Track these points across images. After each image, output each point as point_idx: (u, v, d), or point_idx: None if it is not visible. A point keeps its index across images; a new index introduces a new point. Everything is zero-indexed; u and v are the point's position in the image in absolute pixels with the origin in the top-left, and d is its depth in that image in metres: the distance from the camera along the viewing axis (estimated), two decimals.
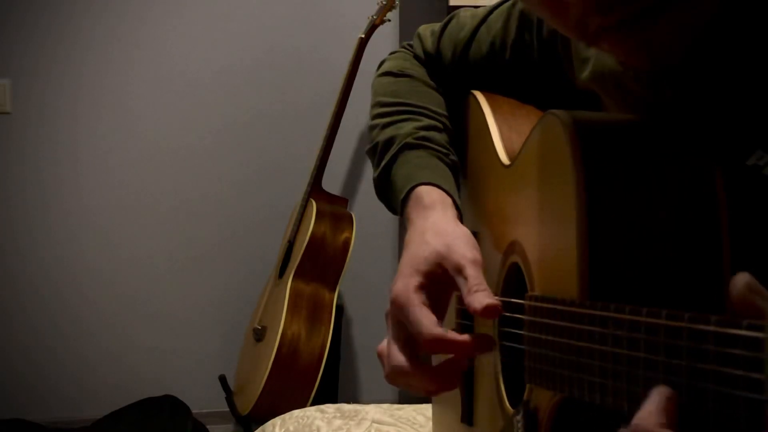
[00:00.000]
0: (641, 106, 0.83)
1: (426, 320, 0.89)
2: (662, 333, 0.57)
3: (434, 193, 1.01)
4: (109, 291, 3.20)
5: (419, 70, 1.16)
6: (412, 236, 0.97)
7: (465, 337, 0.88)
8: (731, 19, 0.73)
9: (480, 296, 0.86)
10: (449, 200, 1.00)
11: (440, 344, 0.88)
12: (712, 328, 0.52)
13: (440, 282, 0.92)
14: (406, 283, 0.92)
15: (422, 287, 0.92)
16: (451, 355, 0.91)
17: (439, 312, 0.93)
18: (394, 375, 0.92)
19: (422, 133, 1.07)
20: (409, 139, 1.06)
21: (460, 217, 1.00)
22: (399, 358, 0.91)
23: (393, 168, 1.06)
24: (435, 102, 1.12)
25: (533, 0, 0.75)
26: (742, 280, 0.52)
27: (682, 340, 0.55)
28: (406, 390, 0.95)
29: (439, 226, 0.95)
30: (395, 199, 1.05)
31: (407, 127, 1.08)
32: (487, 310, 0.85)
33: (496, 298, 0.89)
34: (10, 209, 3.15)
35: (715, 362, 0.52)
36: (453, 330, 1.03)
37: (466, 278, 0.88)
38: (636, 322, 0.60)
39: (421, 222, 0.98)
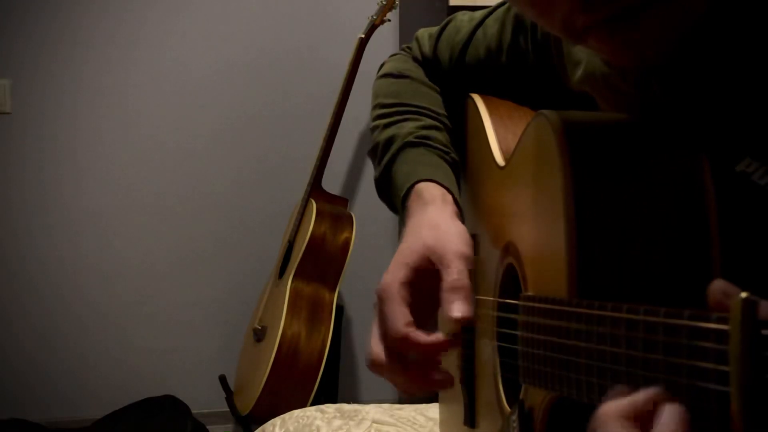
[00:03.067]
0: (632, 106, 0.84)
1: (398, 318, 0.90)
2: (641, 329, 0.57)
3: (434, 189, 1.01)
4: (109, 291, 3.20)
5: (418, 71, 1.16)
6: (408, 230, 0.98)
7: (431, 338, 0.89)
8: (721, 18, 0.73)
9: (456, 306, 0.87)
10: (449, 197, 1.01)
11: (405, 344, 0.89)
12: (684, 322, 0.53)
13: (428, 276, 0.92)
14: (393, 277, 0.92)
15: (409, 282, 0.92)
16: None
17: (427, 306, 0.93)
18: (372, 366, 0.93)
19: (423, 132, 1.08)
20: (410, 138, 1.07)
21: (460, 214, 1.00)
22: (375, 349, 0.92)
23: (394, 166, 1.07)
24: (434, 102, 1.13)
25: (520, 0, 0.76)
26: (717, 285, 0.52)
27: (659, 335, 0.55)
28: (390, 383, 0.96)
29: (434, 221, 0.96)
30: (396, 197, 1.05)
31: (408, 126, 1.09)
32: (461, 321, 0.86)
33: (482, 298, 0.89)
34: (10, 209, 3.15)
35: (687, 356, 0.52)
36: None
37: (448, 272, 0.89)
38: (617, 319, 0.60)
39: (419, 216, 0.98)
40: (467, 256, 0.91)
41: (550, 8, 0.72)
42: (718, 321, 0.50)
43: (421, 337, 0.89)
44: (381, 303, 0.92)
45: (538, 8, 0.74)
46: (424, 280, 0.93)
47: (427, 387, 0.94)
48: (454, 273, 0.88)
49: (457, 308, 0.87)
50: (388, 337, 0.91)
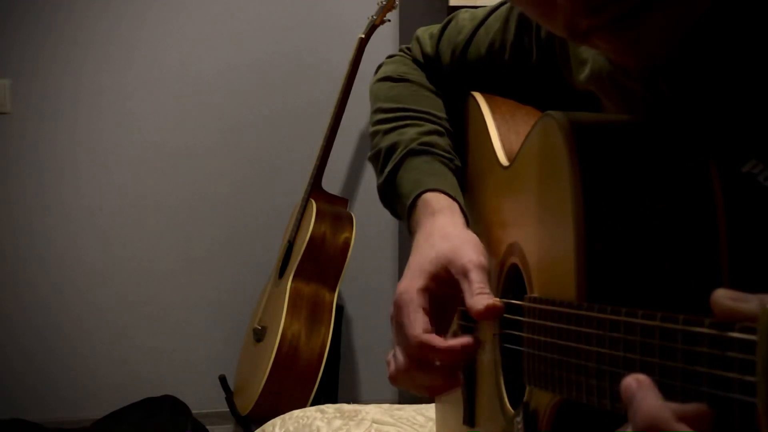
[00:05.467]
0: (639, 106, 0.83)
1: (416, 324, 0.89)
2: (657, 335, 0.57)
3: (442, 199, 1.01)
4: (109, 291, 3.20)
5: (418, 74, 1.16)
6: (420, 239, 0.97)
7: (450, 343, 0.88)
8: (724, 16, 0.73)
9: (481, 298, 0.86)
10: (457, 206, 1.01)
11: (425, 349, 0.89)
12: (706, 330, 0.52)
13: (446, 285, 0.92)
14: (410, 285, 0.92)
15: (426, 289, 0.92)
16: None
17: (443, 315, 0.93)
18: (399, 375, 0.92)
19: (425, 138, 1.07)
20: (413, 145, 1.06)
21: (467, 223, 1.00)
22: (401, 358, 0.91)
23: (398, 174, 1.06)
24: (435, 106, 1.12)
25: (523, 2, 0.76)
26: (721, 294, 0.52)
27: (677, 343, 0.55)
28: (411, 391, 0.95)
29: (446, 230, 0.96)
30: (401, 206, 1.05)
31: (410, 132, 1.08)
32: (488, 310, 0.85)
33: (499, 300, 0.89)
34: (10, 209, 3.15)
35: (709, 364, 0.52)
36: (454, 331, 1.03)
37: (470, 282, 0.88)
38: (632, 324, 0.60)
39: (429, 226, 0.98)
40: (485, 267, 0.91)
41: (553, 11, 0.72)
42: (743, 331, 0.49)
43: (439, 341, 0.88)
44: (399, 311, 0.92)
45: (541, 10, 0.74)
46: (441, 289, 0.93)
47: (450, 390, 0.94)
48: (476, 284, 0.88)
49: (486, 301, 0.86)
50: (408, 345, 0.91)
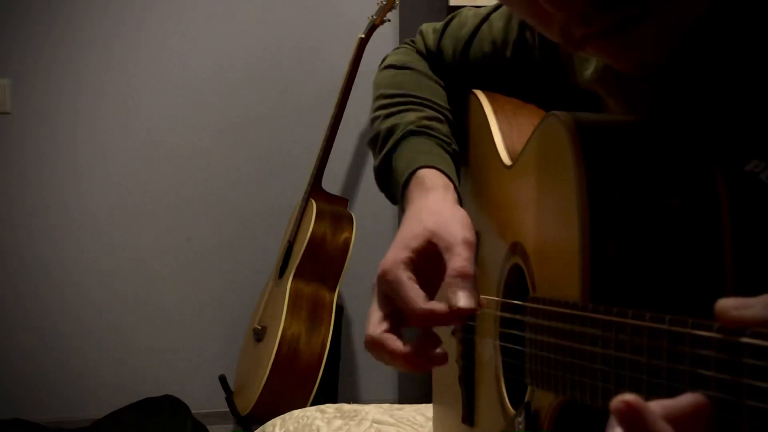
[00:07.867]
0: (643, 105, 0.83)
1: (415, 295, 0.88)
2: (665, 338, 0.56)
3: (436, 176, 1.00)
4: (109, 291, 3.20)
5: (422, 64, 1.16)
6: (409, 214, 0.97)
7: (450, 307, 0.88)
8: (723, 18, 0.73)
9: (461, 295, 0.86)
10: (451, 185, 1.00)
11: (430, 318, 0.88)
12: (714, 334, 0.52)
13: (431, 259, 0.92)
14: (395, 258, 0.91)
15: (411, 262, 0.91)
16: (429, 334, 0.91)
17: (429, 288, 0.92)
18: (369, 344, 0.92)
19: (425, 122, 1.07)
20: (412, 127, 1.06)
21: (460, 202, 0.99)
22: (376, 329, 0.91)
23: (395, 154, 1.06)
24: (437, 94, 1.12)
25: (519, 8, 0.76)
26: (723, 303, 0.51)
27: (685, 346, 0.54)
28: (383, 362, 0.95)
29: (436, 207, 0.95)
30: (396, 184, 1.04)
31: (410, 116, 1.08)
32: (462, 311, 0.85)
33: (486, 298, 0.88)
34: (10, 209, 3.15)
35: (717, 369, 0.51)
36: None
37: (453, 256, 0.88)
38: (639, 327, 0.59)
39: (420, 202, 0.97)
40: (472, 243, 0.90)
41: (548, 19, 0.72)
42: (753, 336, 0.49)
43: (444, 307, 0.87)
44: (387, 284, 0.91)
45: (537, 19, 0.75)
46: (425, 264, 0.92)
47: (430, 364, 0.93)
48: (460, 260, 0.88)
49: (463, 298, 0.86)
50: (400, 317, 0.90)
